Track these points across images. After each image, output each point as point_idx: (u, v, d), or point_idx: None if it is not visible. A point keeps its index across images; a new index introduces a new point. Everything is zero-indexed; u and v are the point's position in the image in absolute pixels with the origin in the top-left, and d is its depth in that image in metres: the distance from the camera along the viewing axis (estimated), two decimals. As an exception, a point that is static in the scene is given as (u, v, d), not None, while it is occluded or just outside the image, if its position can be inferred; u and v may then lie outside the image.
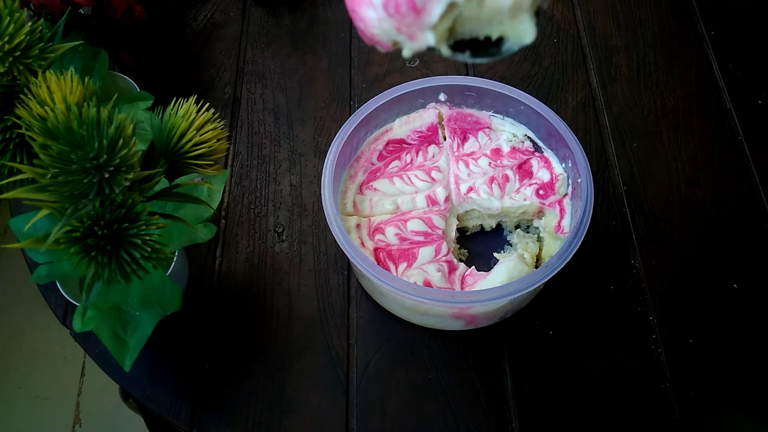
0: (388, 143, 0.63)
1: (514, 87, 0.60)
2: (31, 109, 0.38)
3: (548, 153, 0.61)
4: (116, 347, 0.48)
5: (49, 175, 0.36)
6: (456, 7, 0.28)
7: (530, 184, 0.60)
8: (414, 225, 0.58)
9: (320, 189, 0.55)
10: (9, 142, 0.41)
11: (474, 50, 0.32)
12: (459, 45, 0.32)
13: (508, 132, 0.62)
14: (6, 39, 0.39)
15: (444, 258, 0.56)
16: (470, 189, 0.60)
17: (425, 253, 0.56)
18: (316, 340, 0.58)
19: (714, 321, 0.59)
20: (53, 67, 0.42)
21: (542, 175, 0.60)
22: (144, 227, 0.39)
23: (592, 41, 0.77)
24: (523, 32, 0.31)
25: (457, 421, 0.54)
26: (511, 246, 0.62)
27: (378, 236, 0.58)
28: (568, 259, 0.50)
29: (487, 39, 0.31)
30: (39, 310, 1.34)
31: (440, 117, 0.64)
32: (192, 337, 0.59)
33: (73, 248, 0.37)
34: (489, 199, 0.59)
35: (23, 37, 0.40)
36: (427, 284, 0.54)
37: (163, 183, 0.48)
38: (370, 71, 0.75)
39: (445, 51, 0.32)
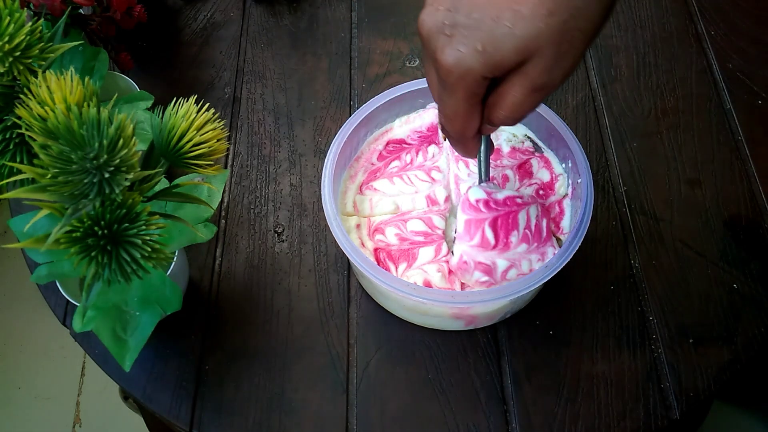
0: (388, 143, 0.63)
1: (514, 87, 0.60)
2: (31, 109, 0.38)
3: (548, 153, 0.61)
4: (116, 347, 0.48)
5: (49, 175, 0.36)
6: None
7: (530, 184, 0.60)
8: (414, 225, 0.58)
9: (320, 189, 0.55)
10: (9, 142, 0.41)
11: None
12: None
13: (507, 132, 0.62)
14: (6, 39, 0.39)
15: (444, 258, 0.56)
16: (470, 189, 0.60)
17: (425, 253, 0.56)
18: (316, 340, 0.58)
19: (714, 321, 0.59)
20: (53, 67, 0.42)
21: (542, 175, 0.60)
22: (144, 227, 0.39)
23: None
24: None
25: (457, 421, 0.54)
26: (511, 246, 0.62)
27: (378, 236, 0.57)
28: (568, 259, 0.50)
29: None
30: (39, 310, 1.34)
31: (440, 117, 0.64)
32: (192, 337, 0.59)
33: (73, 248, 0.37)
34: (489, 199, 0.59)
35: (23, 37, 0.40)
36: (427, 284, 0.54)
37: (163, 183, 0.48)
38: (370, 71, 0.75)
39: None
